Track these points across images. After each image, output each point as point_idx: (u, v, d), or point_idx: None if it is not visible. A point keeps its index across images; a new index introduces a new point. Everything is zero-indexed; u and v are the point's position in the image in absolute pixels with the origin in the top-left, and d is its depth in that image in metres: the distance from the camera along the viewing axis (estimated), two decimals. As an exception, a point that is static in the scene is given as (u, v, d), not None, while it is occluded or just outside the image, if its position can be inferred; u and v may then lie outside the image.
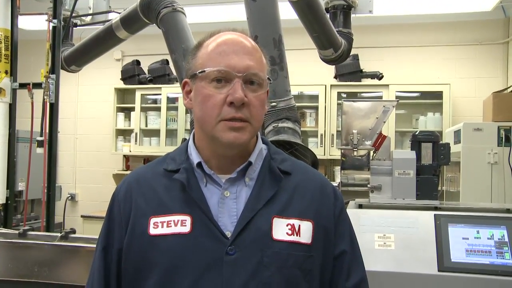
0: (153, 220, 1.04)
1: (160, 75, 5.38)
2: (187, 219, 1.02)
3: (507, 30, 4.92)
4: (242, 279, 0.98)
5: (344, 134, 2.31)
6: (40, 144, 2.61)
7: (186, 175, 1.06)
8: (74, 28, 3.66)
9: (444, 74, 4.98)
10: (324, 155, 4.84)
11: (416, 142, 2.21)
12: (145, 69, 5.54)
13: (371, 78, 4.92)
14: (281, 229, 1.03)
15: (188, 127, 5.09)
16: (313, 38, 2.78)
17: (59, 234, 2.16)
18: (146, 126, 5.46)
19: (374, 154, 2.29)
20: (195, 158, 1.09)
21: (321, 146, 4.87)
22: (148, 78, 5.40)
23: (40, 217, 2.89)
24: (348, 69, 4.86)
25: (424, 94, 4.93)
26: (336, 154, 4.75)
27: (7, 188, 2.63)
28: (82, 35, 3.67)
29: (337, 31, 2.88)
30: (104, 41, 3.20)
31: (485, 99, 4.14)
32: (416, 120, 4.91)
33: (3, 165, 2.60)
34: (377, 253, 1.90)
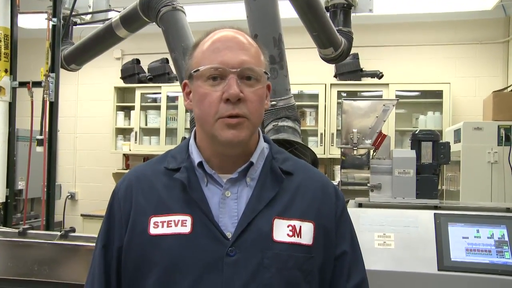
0: (153, 219, 1.03)
1: (160, 74, 5.38)
2: (188, 219, 1.02)
3: (507, 29, 4.92)
4: (242, 280, 0.98)
5: (344, 133, 2.31)
6: (40, 142, 2.61)
7: (187, 174, 1.05)
8: (74, 26, 3.66)
9: (444, 73, 4.98)
10: (324, 154, 4.84)
11: (416, 141, 2.21)
12: (145, 68, 5.54)
13: (371, 77, 4.92)
14: (281, 230, 1.02)
15: (188, 126, 5.08)
16: (313, 37, 2.78)
17: (59, 233, 2.15)
18: (146, 125, 5.46)
19: (374, 153, 2.29)
20: (196, 157, 1.08)
21: (321, 145, 4.87)
22: (148, 77, 5.40)
23: (40, 216, 2.89)
24: (348, 68, 4.85)
25: (424, 93, 4.93)
26: (336, 153, 4.75)
27: (7, 187, 2.62)
28: (82, 33, 3.67)
29: (337, 30, 2.88)
30: (104, 40, 3.20)
31: (485, 98, 4.14)
32: (416, 119, 4.91)
33: (3, 163, 2.60)
34: (377, 252, 1.90)
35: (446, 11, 4.60)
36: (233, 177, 1.05)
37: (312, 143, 4.92)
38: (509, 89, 4.25)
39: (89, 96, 5.92)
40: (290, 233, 1.03)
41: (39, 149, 2.62)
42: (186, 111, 5.04)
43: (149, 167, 1.14)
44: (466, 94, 4.94)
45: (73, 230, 2.19)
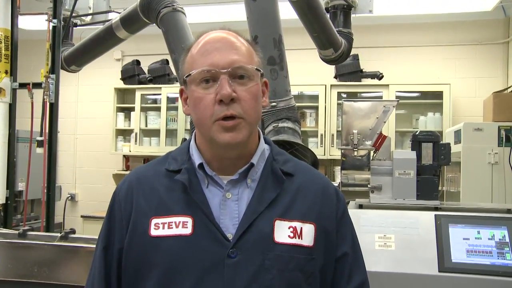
0: (154, 221, 1.03)
1: (160, 75, 5.38)
2: (189, 220, 1.01)
3: (507, 30, 4.92)
4: (243, 282, 0.98)
5: (344, 134, 2.31)
6: (40, 144, 2.61)
7: (187, 176, 1.05)
8: (74, 28, 3.66)
9: (444, 74, 4.98)
10: (324, 155, 4.84)
11: (417, 142, 2.20)
12: (145, 69, 5.54)
13: (371, 78, 4.92)
14: (283, 231, 1.02)
15: (188, 127, 5.09)
16: (313, 38, 2.78)
17: (59, 234, 2.15)
18: (146, 126, 5.46)
19: (375, 154, 2.29)
20: (196, 159, 1.08)
21: (321, 146, 4.87)
22: (148, 78, 5.40)
23: (40, 217, 2.89)
24: (348, 69, 4.86)
25: (424, 94, 4.93)
26: (336, 154, 4.74)
27: (7, 188, 2.62)
28: (82, 35, 3.67)
29: (337, 31, 2.88)
30: (104, 41, 3.20)
31: (486, 99, 4.14)
32: (416, 120, 4.91)
33: (3, 165, 2.60)
34: (378, 254, 1.89)
35: (446, 12, 4.60)
36: (233, 179, 1.05)
37: (312, 144, 4.92)
38: (509, 90, 4.25)
39: (89, 97, 5.92)
40: (291, 235, 1.02)
41: (39, 150, 2.62)
42: (186, 112, 5.03)
43: (149, 168, 1.14)
44: (466, 95, 4.94)
45: (73, 231, 2.19)
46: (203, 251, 0.99)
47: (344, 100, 2.37)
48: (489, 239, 1.88)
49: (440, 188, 2.18)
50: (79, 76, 5.25)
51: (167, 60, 5.32)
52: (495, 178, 3.59)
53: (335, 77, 5.01)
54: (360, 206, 2.15)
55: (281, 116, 2.07)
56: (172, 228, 1.01)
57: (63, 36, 2.92)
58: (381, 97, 4.79)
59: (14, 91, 2.67)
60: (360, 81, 4.94)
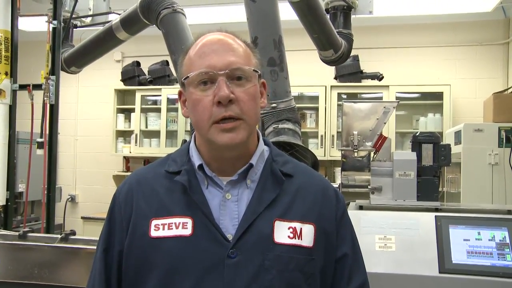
0: (154, 222, 1.03)
1: (160, 76, 5.38)
2: (189, 221, 1.02)
3: (507, 30, 4.92)
4: (243, 282, 0.98)
5: (344, 135, 2.31)
6: (40, 145, 2.61)
7: (187, 177, 1.06)
8: (74, 29, 3.66)
9: (445, 75, 4.98)
10: (325, 156, 4.83)
11: (417, 143, 2.20)
12: (145, 70, 5.54)
13: (371, 79, 4.92)
14: (282, 232, 1.02)
15: (188, 128, 5.09)
16: (313, 39, 2.78)
17: (59, 236, 2.16)
18: (146, 127, 5.46)
19: (375, 155, 2.29)
20: (196, 160, 1.08)
21: (321, 147, 4.87)
22: (148, 79, 5.40)
23: (40, 219, 2.89)
24: (348, 70, 4.86)
25: (425, 95, 4.93)
26: (336, 155, 4.74)
27: (7, 190, 2.62)
28: (82, 36, 3.67)
29: (337, 32, 2.88)
30: (104, 42, 3.20)
31: (486, 100, 4.14)
32: (416, 121, 4.91)
33: (3, 166, 2.60)
34: (378, 255, 1.89)
35: (446, 12, 4.61)
36: (233, 179, 1.05)
37: (313, 145, 4.92)
38: (509, 90, 4.25)
39: (89, 99, 5.92)
40: (291, 235, 1.03)
41: (40, 151, 2.62)
42: (186, 113, 5.03)
43: (149, 170, 1.14)
44: (467, 96, 4.94)
45: (73, 233, 2.19)
46: (203, 252, 0.99)
47: (344, 101, 2.37)
48: (489, 240, 1.88)
49: (440, 189, 2.18)
50: (79, 77, 5.26)
51: (167, 61, 5.32)
52: (495, 179, 3.58)
53: (335, 78, 5.01)
54: (361, 207, 2.15)
55: (281, 117, 2.07)
56: (172, 229, 1.02)
57: (63, 38, 2.92)
58: (381, 98, 4.80)
59: (14, 92, 2.67)
60: (360, 82, 4.94)
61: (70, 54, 3.40)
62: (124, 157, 5.72)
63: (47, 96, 2.60)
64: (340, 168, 2.41)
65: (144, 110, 5.46)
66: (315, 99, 5.03)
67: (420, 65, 5.07)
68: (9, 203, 2.65)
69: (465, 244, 1.88)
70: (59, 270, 2.01)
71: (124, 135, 5.64)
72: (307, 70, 4.86)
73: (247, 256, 0.99)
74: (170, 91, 5.28)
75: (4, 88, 2.61)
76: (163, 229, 1.02)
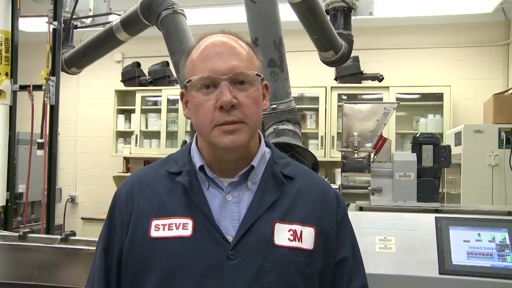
0: (154, 222, 1.03)
1: (160, 77, 5.38)
2: (189, 222, 1.02)
3: (507, 32, 4.92)
4: (243, 284, 0.98)
5: (344, 136, 2.31)
6: (41, 146, 2.61)
7: (188, 178, 1.06)
8: (74, 30, 3.66)
9: (445, 76, 4.98)
10: (325, 157, 4.84)
11: (417, 144, 2.20)
12: (146, 71, 5.54)
13: (372, 80, 4.92)
14: (283, 234, 1.02)
15: (189, 129, 5.09)
16: (313, 40, 2.78)
17: (59, 237, 2.16)
18: (147, 128, 5.46)
19: (375, 156, 2.29)
20: (197, 161, 1.08)
21: (321, 148, 4.87)
22: (149, 80, 5.40)
23: (40, 219, 2.89)
24: (348, 71, 4.86)
25: (425, 96, 4.93)
26: (336, 156, 4.74)
27: (7, 190, 2.62)
28: (82, 37, 3.67)
29: (337, 33, 2.88)
30: (104, 43, 3.20)
31: (486, 101, 4.14)
32: (416, 122, 4.91)
33: (3, 167, 2.60)
34: (378, 256, 1.89)
35: (446, 14, 4.61)
36: (234, 181, 1.05)
37: (313, 146, 4.92)
38: (509, 91, 4.25)
39: (89, 99, 5.93)
40: (291, 238, 1.02)
41: (40, 152, 2.62)
42: (187, 114, 5.03)
43: (150, 170, 1.14)
44: (467, 97, 4.94)
45: (73, 233, 2.19)
46: (203, 253, 0.99)
47: (345, 102, 2.37)
48: (489, 241, 1.87)
49: (440, 190, 2.18)
50: (79, 78, 5.26)
51: (167, 62, 5.32)
52: (495, 180, 3.58)
53: (336, 79, 5.01)
54: (361, 208, 2.15)
55: (281, 118, 2.07)
56: (172, 229, 1.02)
57: (63, 38, 2.92)
58: (381, 99, 4.80)
59: (14, 93, 2.67)
60: (361, 83, 4.94)
61: (71, 55, 3.40)
62: (124, 157, 5.72)
63: (47, 96, 2.60)
64: (340, 169, 2.41)
65: (144, 111, 5.46)
66: (315, 100, 5.04)
67: (420, 66, 5.07)
68: (9, 204, 2.65)
69: (465, 245, 1.88)
70: (59, 270, 2.01)
71: (124, 135, 5.64)
72: (307, 71, 4.86)
73: (247, 258, 0.99)
74: (171, 92, 5.28)
75: (4, 88, 2.61)
76: (164, 229, 1.02)
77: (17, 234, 2.22)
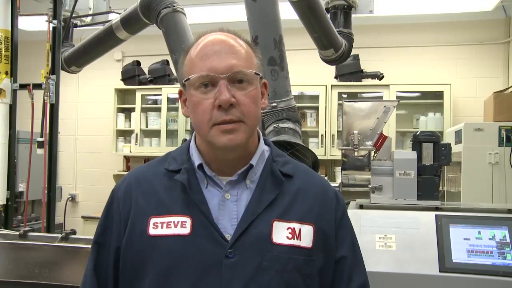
0: (153, 220, 1.03)
1: (160, 76, 5.38)
2: (187, 220, 1.02)
3: (508, 30, 4.91)
4: (241, 282, 0.98)
5: (344, 134, 2.31)
6: (41, 145, 2.61)
7: (187, 176, 1.06)
8: (74, 28, 3.66)
9: (445, 74, 4.98)
10: (325, 155, 4.83)
11: (417, 142, 2.20)
12: (146, 70, 5.54)
13: (372, 78, 4.91)
14: (281, 232, 1.02)
15: (189, 127, 5.09)
16: (313, 38, 2.78)
17: (59, 235, 2.16)
18: (147, 126, 5.46)
19: (375, 155, 2.28)
20: (196, 159, 1.08)
21: (321, 147, 4.87)
22: (149, 79, 5.40)
23: (41, 218, 2.89)
24: (348, 69, 4.86)
25: (425, 94, 4.92)
26: (336, 154, 4.74)
27: (7, 189, 2.62)
28: (82, 35, 3.67)
29: (337, 31, 2.88)
30: (104, 42, 3.20)
31: (486, 99, 4.14)
32: (416, 120, 4.91)
33: (4, 166, 2.60)
34: (378, 254, 1.89)
35: (447, 12, 4.60)
36: (232, 179, 1.05)
37: (313, 145, 4.92)
38: (510, 90, 4.24)
39: (89, 98, 5.92)
40: (290, 236, 1.02)
41: (40, 151, 2.62)
42: (187, 112, 5.03)
43: (149, 168, 1.14)
44: (467, 95, 4.93)
45: (73, 232, 2.19)
46: (201, 251, 0.99)
47: (345, 101, 2.37)
48: (489, 239, 1.87)
49: (440, 188, 2.18)
50: (79, 77, 5.26)
51: (167, 61, 5.32)
52: (495, 178, 3.58)
53: (336, 77, 5.01)
54: (361, 207, 2.15)
55: (281, 117, 2.07)
56: (170, 227, 1.02)
57: (63, 37, 2.92)
58: (381, 97, 4.79)
59: (14, 92, 2.67)
60: (361, 81, 4.94)
61: (70, 54, 3.40)
62: (125, 156, 5.73)
63: (47, 95, 2.60)
64: (340, 168, 2.41)
65: (144, 110, 5.46)
66: (315, 98, 5.03)
67: (420, 64, 5.07)
68: (10, 203, 2.65)
69: (466, 243, 1.88)
70: (60, 269, 2.02)
71: (125, 134, 5.64)
72: (308, 70, 4.86)
73: (245, 256, 0.99)
74: (171, 91, 5.28)
75: (4, 87, 2.61)
76: (162, 227, 1.02)
77: (17, 232, 2.22)
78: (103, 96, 5.73)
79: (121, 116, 5.57)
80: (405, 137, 4.86)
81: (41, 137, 2.63)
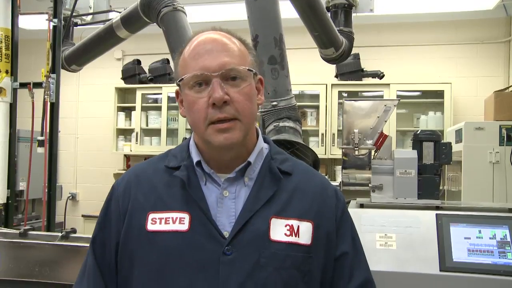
0: (151, 216, 1.03)
1: (160, 75, 5.38)
2: (186, 217, 1.02)
3: (508, 28, 4.91)
4: (238, 279, 0.98)
5: (345, 133, 2.31)
6: (41, 143, 2.61)
7: (186, 172, 1.06)
8: (74, 27, 3.66)
9: (445, 73, 4.97)
10: (325, 154, 4.83)
11: (418, 141, 2.20)
12: (146, 69, 5.54)
13: (372, 77, 4.91)
14: (279, 229, 1.02)
15: (189, 126, 5.08)
16: (314, 37, 2.78)
17: (60, 234, 2.15)
18: (147, 125, 5.46)
19: (376, 154, 2.28)
20: (195, 156, 1.08)
21: (322, 146, 4.87)
22: (149, 78, 5.40)
23: (41, 217, 2.89)
24: (349, 68, 4.85)
25: (425, 93, 4.92)
26: (337, 153, 4.74)
27: (8, 188, 2.62)
28: (82, 34, 3.67)
29: (338, 30, 2.87)
30: (104, 41, 3.20)
31: (487, 98, 4.13)
32: (417, 119, 4.91)
33: (4, 164, 2.60)
34: (379, 253, 1.89)
35: (447, 11, 4.60)
36: (231, 177, 1.05)
37: (313, 144, 4.92)
38: (510, 89, 4.24)
39: (90, 97, 5.92)
40: (288, 233, 1.02)
41: (40, 150, 2.62)
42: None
43: (149, 165, 1.14)
44: (468, 94, 4.93)
45: (74, 231, 2.19)
46: (199, 248, 0.99)
47: (345, 99, 2.37)
48: (490, 238, 1.87)
49: (441, 187, 2.17)
50: (79, 75, 5.26)
51: (167, 60, 5.32)
52: (496, 177, 3.58)
53: (336, 76, 5.00)
54: (361, 206, 2.15)
55: (282, 116, 2.06)
56: (169, 223, 1.02)
57: (63, 36, 2.92)
58: (382, 96, 4.79)
59: (14, 90, 2.67)
60: (361, 80, 4.94)
61: (71, 52, 3.40)
62: (125, 155, 5.73)
63: (48, 94, 2.60)
64: (340, 166, 2.41)
65: (144, 109, 5.46)
66: (315, 97, 5.03)
67: (421, 63, 5.07)
68: (10, 201, 2.65)
69: (466, 242, 1.88)
70: (60, 268, 2.01)
71: (125, 133, 5.64)
72: (308, 68, 4.86)
73: (243, 253, 0.99)
74: (171, 89, 5.27)
75: (4, 86, 2.61)
76: (160, 223, 1.02)
77: (18, 231, 2.22)
78: (104, 95, 5.73)
79: (122, 115, 5.57)
80: (405, 136, 4.86)
81: (42, 136, 2.63)
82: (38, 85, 2.66)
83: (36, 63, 4.01)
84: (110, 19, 3.21)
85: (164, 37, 2.63)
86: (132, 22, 2.95)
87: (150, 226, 1.02)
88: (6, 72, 2.63)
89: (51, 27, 2.68)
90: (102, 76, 5.78)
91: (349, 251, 1.09)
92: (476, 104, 4.76)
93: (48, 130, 2.63)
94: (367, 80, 4.96)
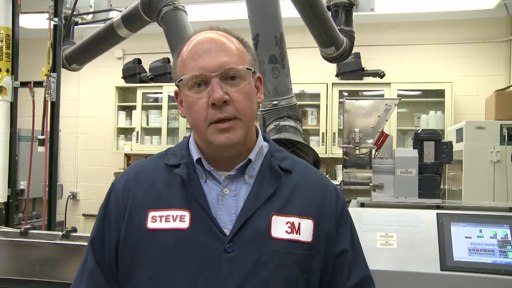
0: (151, 214, 1.03)
1: (161, 74, 5.37)
2: (186, 214, 1.02)
3: (510, 28, 4.90)
4: (240, 277, 0.98)
5: (346, 132, 2.31)
6: (42, 142, 2.61)
7: (186, 170, 1.06)
8: (75, 26, 3.66)
9: (446, 72, 4.97)
10: (326, 153, 4.83)
11: (418, 140, 2.20)
12: (146, 68, 5.54)
13: (373, 77, 4.91)
14: (280, 227, 1.02)
15: (189, 125, 5.08)
16: (314, 36, 2.77)
17: (60, 233, 2.15)
18: (148, 124, 5.46)
19: (376, 153, 2.28)
20: (195, 154, 1.08)
21: (322, 145, 4.87)
22: (149, 77, 5.40)
23: (42, 216, 2.89)
24: (349, 67, 4.85)
25: (426, 92, 4.92)
26: (337, 152, 4.74)
27: (8, 187, 2.62)
28: (83, 33, 3.67)
29: (338, 29, 2.87)
30: (105, 40, 3.20)
31: (488, 97, 4.13)
32: (418, 118, 4.91)
33: (5, 163, 2.60)
34: (379, 252, 1.89)
35: (448, 10, 4.59)
36: (231, 174, 1.05)
37: (314, 143, 4.92)
38: (511, 88, 4.24)
39: (90, 96, 5.92)
40: (289, 230, 1.02)
41: (41, 149, 2.62)
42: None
43: (149, 163, 1.14)
44: (468, 93, 4.93)
45: (74, 230, 2.19)
46: (200, 246, 0.99)
47: (346, 99, 2.37)
48: (491, 237, 1.87)
49: (442, 186, 2.18)
50: (80, 74, 5.27)
51: (168, 59, 5.31)
52: (497, 176, 3.58)
53: (337, 75, 5.00)
54: (362, 205, 2.15)
55: (282, 115, 2.06)
56: (169, 221, 1.01)
57: (64, 35, 2.92)
58: (382, 95, 4.79)
59: (15, 89, 2.67)
60: (362, 79, 4.93)
61: (71, 52, 3.40)
62: (125, 154, 5.72)
63: (48, 93, 2.60)
64: (341, 166, 2.41)
65: (145, 108, 5.46)
66: (316, 96, 5.03)
67: (421, 63, 5.06)
68: (11, 200, 2.65)
69: (467, 241, 1.88)
70: (61, 267, 2.01)
71: (125, 132, 5.64)
72: (309, 68, 4.85)
73: (244, 251, 0.99)
74: (171, 89, 5.25)
75: (5, 85, 2.61)
76: (160, 221, 1.02)
77: (18, 230, 2.22)
78: (104, 94, 5.73)
79: (122, 114, 5.57)
80: (406, 135, 4.86)
81: (42, 135, 2.63)
82: (38, 84, 2.66)
83: (36, 62, 4.01)
84: (111, 18, 3.21)
85: (165, 36, 2.63)
86: (132, 21, 2.95)
87: (151, 224, 1.02)
88: (7, 71, 2.63)
89: (51, 26, 2.68)
90: (102, 75, 5.78)
91: (348, 249, 1.09)
92: (477, 103, 4.75)
93: (48, 129, 2.63)
94: (368, 79, 4.95)
